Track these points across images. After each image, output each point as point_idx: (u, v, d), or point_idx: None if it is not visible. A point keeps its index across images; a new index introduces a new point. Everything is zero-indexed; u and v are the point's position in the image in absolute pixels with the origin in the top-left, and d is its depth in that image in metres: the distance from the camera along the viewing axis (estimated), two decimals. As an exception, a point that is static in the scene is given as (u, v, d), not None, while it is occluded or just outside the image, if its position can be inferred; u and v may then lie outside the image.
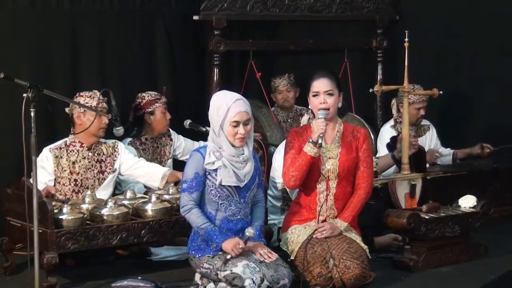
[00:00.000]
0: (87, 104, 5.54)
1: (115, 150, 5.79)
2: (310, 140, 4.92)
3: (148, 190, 5.90)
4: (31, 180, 4.72)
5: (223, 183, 4.73)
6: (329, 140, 5.10)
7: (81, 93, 5.66)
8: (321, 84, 5.04)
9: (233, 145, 4.74)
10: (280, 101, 7.13)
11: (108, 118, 5.59)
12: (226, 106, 4.70)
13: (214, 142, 4.76)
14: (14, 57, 6.00)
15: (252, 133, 4.84)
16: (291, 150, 5.06)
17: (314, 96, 5.05)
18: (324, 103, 5.00)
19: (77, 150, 5.65)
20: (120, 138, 5.91)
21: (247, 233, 4.72)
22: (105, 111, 5.63)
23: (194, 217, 4.74)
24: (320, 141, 4.88)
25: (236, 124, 4.69)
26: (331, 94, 5.03)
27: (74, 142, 5.66)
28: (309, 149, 4.92)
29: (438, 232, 5.40)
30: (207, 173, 4.75)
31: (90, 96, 5.62)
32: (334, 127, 5.12)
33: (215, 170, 4.73)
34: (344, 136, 5.12)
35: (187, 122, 6.07)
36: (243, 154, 4.76)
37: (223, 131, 4.71)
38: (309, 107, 5.12)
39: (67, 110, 5.65)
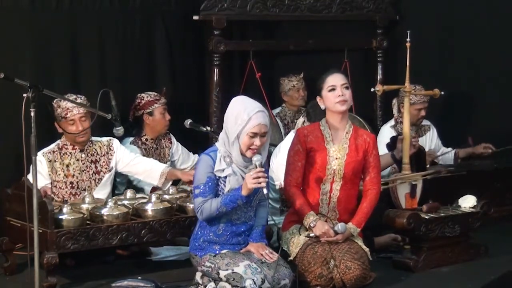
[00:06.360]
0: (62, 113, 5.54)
1: (110, 149, 5.77)
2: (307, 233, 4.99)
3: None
4: (30, 179, 4.72)
5: None
6: (337, 141, 5.09)
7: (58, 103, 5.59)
8: (336, 78, 5.04)
9: (243, 154, 4.68)
10: (296, 100, 7.11)
11: (108, 118, 5.58)
12: (247, 116, 4.62)
13: (225, 147, 4.71)
14: (14, 57, 5.99)
15: (268, 144, 4.80)
16: (296, 155, 5.05)
17: (330, 91, 5.01)
18: (343, 95, 4.98)
19: (70, 153, 5.63)
20: (121, 138, 5.90)
21: (256, 161, 4.62)
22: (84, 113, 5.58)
23: (209, 207, 4.65)
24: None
25: (254, 135, 4.62)
26: (347, 88, 5.02)
27: (66, 144, 5.64)
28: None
29: (438, 232, 5.40)
30: (217, 177, 4.72)
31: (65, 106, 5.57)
32: (344, 128, 5.10)
33: (225, 176, 4.70)
34: (352, 138, 5.09)
35: (188, 122, 6.07)
36: (251, 164, 4.68)
37: (238, 140, 4.65)
38: (322, 106, 5.07)
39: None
